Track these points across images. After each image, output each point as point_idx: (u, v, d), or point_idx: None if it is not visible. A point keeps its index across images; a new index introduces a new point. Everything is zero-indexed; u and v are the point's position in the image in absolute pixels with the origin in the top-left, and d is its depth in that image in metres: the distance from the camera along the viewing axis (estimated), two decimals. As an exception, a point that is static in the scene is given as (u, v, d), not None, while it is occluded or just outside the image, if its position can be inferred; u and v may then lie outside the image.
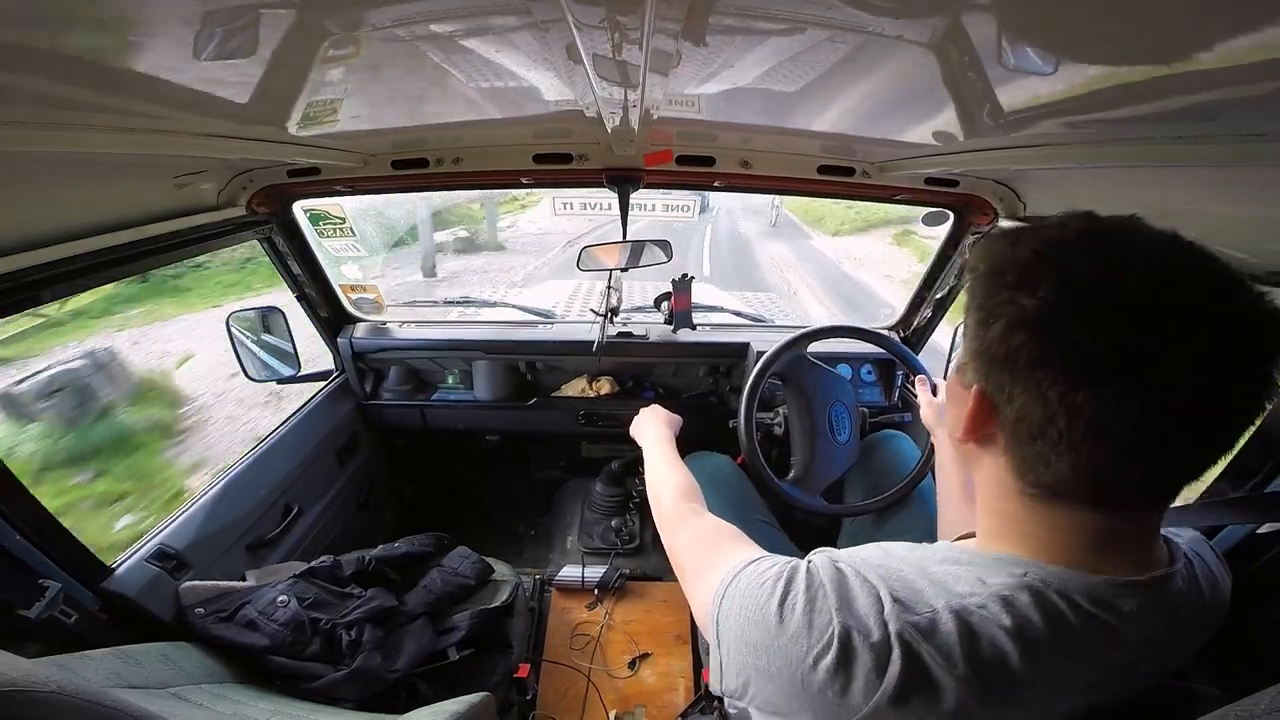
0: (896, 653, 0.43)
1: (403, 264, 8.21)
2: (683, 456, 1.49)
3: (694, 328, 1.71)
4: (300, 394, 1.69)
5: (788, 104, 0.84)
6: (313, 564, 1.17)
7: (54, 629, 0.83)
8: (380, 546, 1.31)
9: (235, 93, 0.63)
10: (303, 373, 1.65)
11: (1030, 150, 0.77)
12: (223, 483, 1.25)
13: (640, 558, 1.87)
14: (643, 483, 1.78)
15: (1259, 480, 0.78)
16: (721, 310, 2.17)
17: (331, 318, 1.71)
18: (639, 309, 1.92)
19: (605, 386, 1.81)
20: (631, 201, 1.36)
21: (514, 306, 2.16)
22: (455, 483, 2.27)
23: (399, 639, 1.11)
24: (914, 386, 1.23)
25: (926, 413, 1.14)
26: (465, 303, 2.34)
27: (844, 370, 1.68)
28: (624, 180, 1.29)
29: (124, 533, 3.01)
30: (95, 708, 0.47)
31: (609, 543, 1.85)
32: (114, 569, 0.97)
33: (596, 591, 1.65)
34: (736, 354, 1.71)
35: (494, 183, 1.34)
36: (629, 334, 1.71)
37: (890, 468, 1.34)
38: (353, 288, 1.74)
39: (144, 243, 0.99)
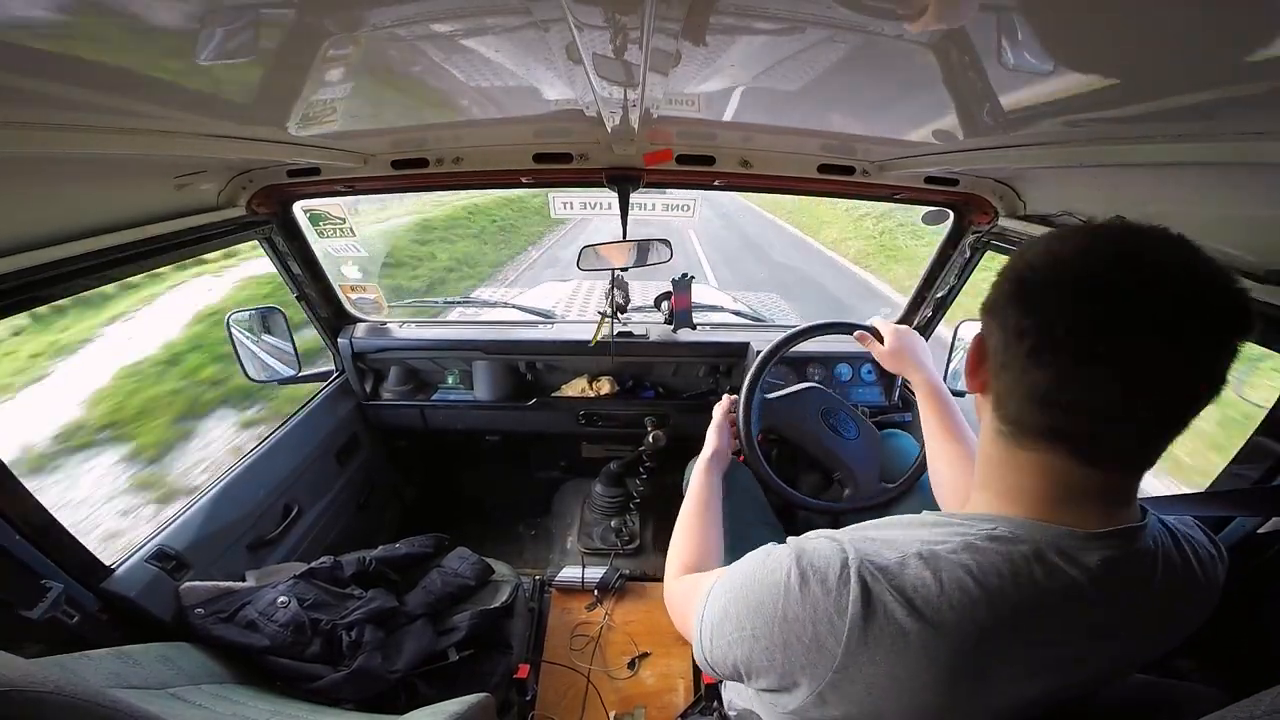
0: (854, 590, 0.47)
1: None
2: (682, 458, 1.49)
3: (694, 327, 1.71)
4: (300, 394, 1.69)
5: (788, 103, 0.84)
6: (313, 565, 1.17)
7: (55, 629, 0.83)
8: (380, 547, 1.31)
9: (236, 93, 0.63)
10: (303, 373, 1.65)
11: (1030, 150, 0.77)
12: (223, 483, 1.25)
13: (640, 558, 1.87)
14: (643, 483, 1.78)
15: (1265, 474, 0.78)
16: (721, 310, 2.17)
17: (331, 318, 1.71)
18: (638, 309, 1.93)
19: (605, 386, 1.81)
20: (631, 201, 1.36)
21: (514, 306, 2.16)
22: (455, 483, 2.27)
23: (399, 640, 1.11)
24: (867, 345, 1.21)
25: (888, 360, 1.17)
26: (465, 303, 2.34)
27: (843, 370, 1.68)
28: (624, 179, 1.29)
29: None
30: (94, 708, 0.47)
31: (609, 543, 1.85)
32: (114, 569, 0.97)
33: (596, 592, 1.65)
34: (736, 354, 1.71)
35: (494, 182, 1.34)
36: (629, 333, 1.71)
37: (893, 465, 1.34)
38: (353, 288, 1.74)
39: (144, 243, 0.99)
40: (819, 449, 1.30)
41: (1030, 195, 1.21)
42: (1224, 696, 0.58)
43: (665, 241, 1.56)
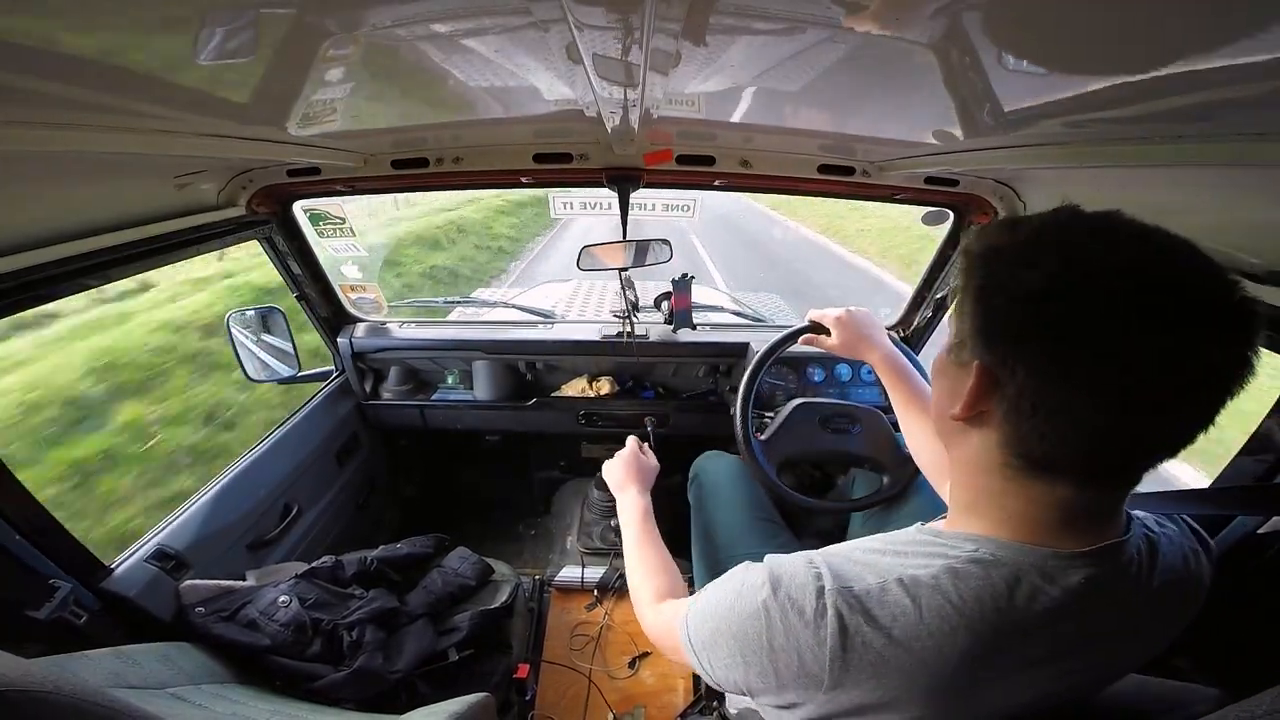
0: (831, 623, 0.47)
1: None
2: (682, 458, 1.49)
3: (694, 327, 1.71)
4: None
5: (788, 103, 0.84)
6: (314, 564, 1.17)
7: (55, 629, 0.83)
8: (381, 547, 1.31)
9: (235, 93, 0.63)
10: (302, 373, 1.65)
11: (1030, 150, 0.77)
12: (222, 482, 1.25)
13: (640, 558, 1.86)
14: None
15: (1265, 473, 0.78)
16: (721, 310, 2.17)
17: (331, 318, 1.71)
18: (639, 309, 1.92)
19: (605, 386, 1.81)
20: (631, 201, 1.36)
21: (514, 306, 2.16)
22: (455, 483, 2.27)
23: (400, 639, 1.11)
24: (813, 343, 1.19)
25: (842, 351, 1.13)
26: (465, 302, 2.34)
27: (843, 370, 1.68)
28: (624, 180, 1.29)
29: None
30: (94, 708, 0.47)
31: (608, 543, 1.85)
32: (113, 569, 0.97)
33: (596, 592, 1.65)
34: (736, 353, 1.71)
35: (494, 182, 1.34)
36: (629, 333, 1.71)
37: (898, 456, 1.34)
38: (353, 288, 1.74)
39: (144, 243, 0.99)
40: (836, 455, 1.30)
41: (1030, 195, 1.21)
42: (1224, 696, 0.58)
43: (665, 241, 1.56)
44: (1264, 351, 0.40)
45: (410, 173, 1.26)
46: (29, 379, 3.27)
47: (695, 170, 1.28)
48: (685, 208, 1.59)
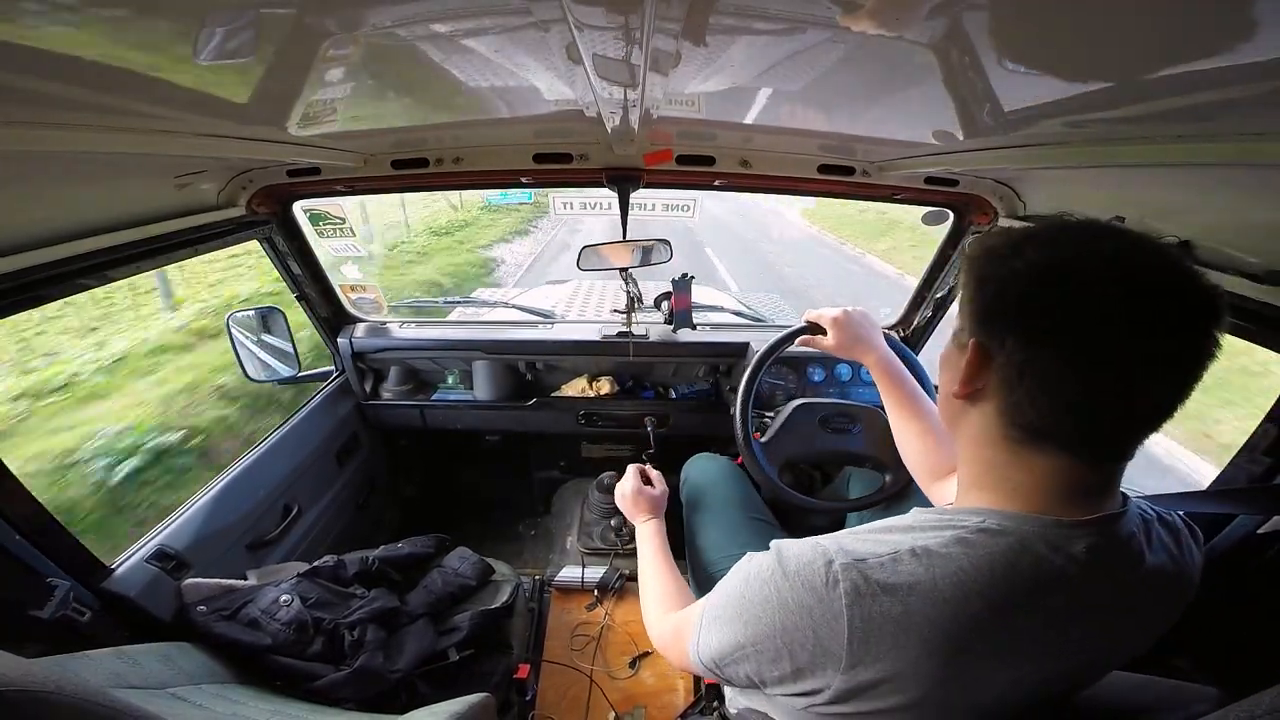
0: (844, 594, 0.48)
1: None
2: (682, 458, 1.50)
3: (694, 327, 1.71)
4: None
5: (788, 103, 0.84)
6: (316, 564, 1.17)
7: (55, 629, 0.83)
8: (382, 547, 1.31)
9: (235, 93, 0.63)
10: (302, 373, 1.65)
11: (1030, 150, 0.77)
12: (222, 483, 1.25)
13: (640, 558, 1.86)
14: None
15: (1265, 472, 0.78)
16: (721, 310, 2.17)
17: (331, 318, 1.71)
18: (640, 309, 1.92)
19: (605, 386, 1.81)
20: (631, 201, 1.36)
21: (514, 306, 2.16)
22: (455, 483, 2.27)
23: (401, 639, 1.11)
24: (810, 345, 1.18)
25: (839, 351, 1.13)
26: (465, 303, 2.34)
27: (843, 370, 1.68)
28: (624, 180, 1.29)
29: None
30: (94, 708, 0.47)
31: (608, 543, 1.85)
32: (113, 569, 0.97)
33: (596, 592, 1.65)
34: (736, 353, 1.71)
35: (494, 182, 1.34)
36: (629, 333, 1.71)
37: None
38: (353, 288, 1.74)
39: (144, 243, 0.99)
40: (837, 455, 1.30)
41: (1030, 196, 1.21)
42: (1224, 696, 0.58)
43: (665, 241, 1.56)
44: (1264, 351, 0.40)
45: (410, 173, 1.26)
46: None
47: (695, 170, 1.28)
48: (685, 208, 1.59)
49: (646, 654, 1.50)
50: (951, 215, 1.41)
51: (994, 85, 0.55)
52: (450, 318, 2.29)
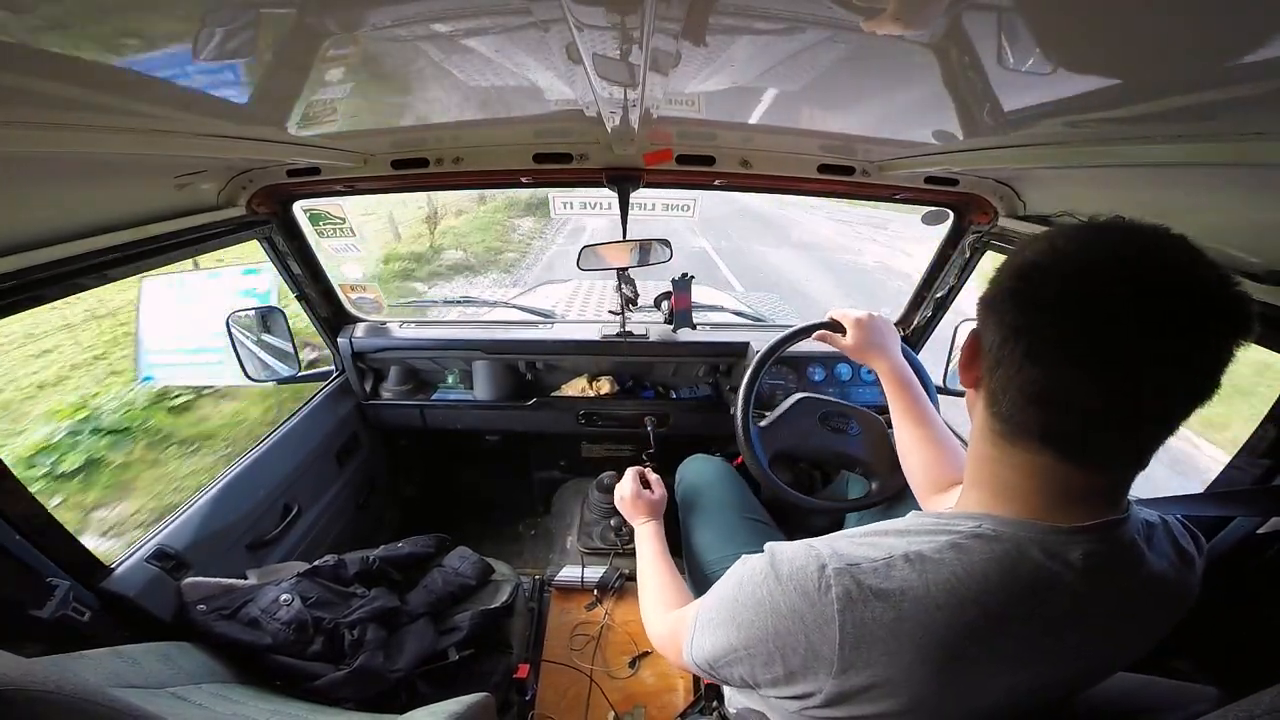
0: (837, 599, 0.47)
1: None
2: (682, 458, 1.50)
3: (694, 327, 1.71)
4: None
5: (788, 103, 0.84)
6: (316, 563, 1.17)
7: (55, 629, 0.83)
8: (383, 546, 1.31)
9: (235, 93, 0.63)
10: (302, 373, 1.65)
11: (1030, 150, 0.77)
12: (222, 483, 1.25)
13: (640, 558, 1.86)
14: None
15: (1264, 473, 0.78)
16: (721, 310, 2.17)
17: (331, 318, 1.71)
18: (639, 308, 1.92)
19: (605, 386, 1.81)
20: (631, 200, 1.36)
21: (514, 306, 2.16)
22: (455, 483, 2.27)
23: (401, 639, 1.11)
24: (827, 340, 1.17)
25: (853, 353, 1.13)
26: (465, 303, 2.34)
27: (843, 370, 1.68)
28: (624, 179, 1.29)
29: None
30: (94, 708, 0.47)
31: (608, 543, 1.85)
32: (113, 569, 0.97)
33: (596, 592, 1.65)
34: (736, 353, 1.71)
35: (494, 182, 1.34)
36: (629, 333, 1.71)
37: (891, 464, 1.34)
38: (352, 287, 1.74)
39: (144, 242, 0.99)
40: (830, 454, 1.30)
41: (1030, 195, 1.21)
42: (1223, 696, 0.58)
43: (665, 241, 1.56)
44: (1266, 351, 0.40)
45: (410, 173, 1.26)
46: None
47: (695, 170, 1.28)
48: (685, 207, 1.59)
49: (646, 654, 1.50)
50: (951, 215, 1.40)
51: (994, 85, 0.55)
52: (450, 317, 2.29)
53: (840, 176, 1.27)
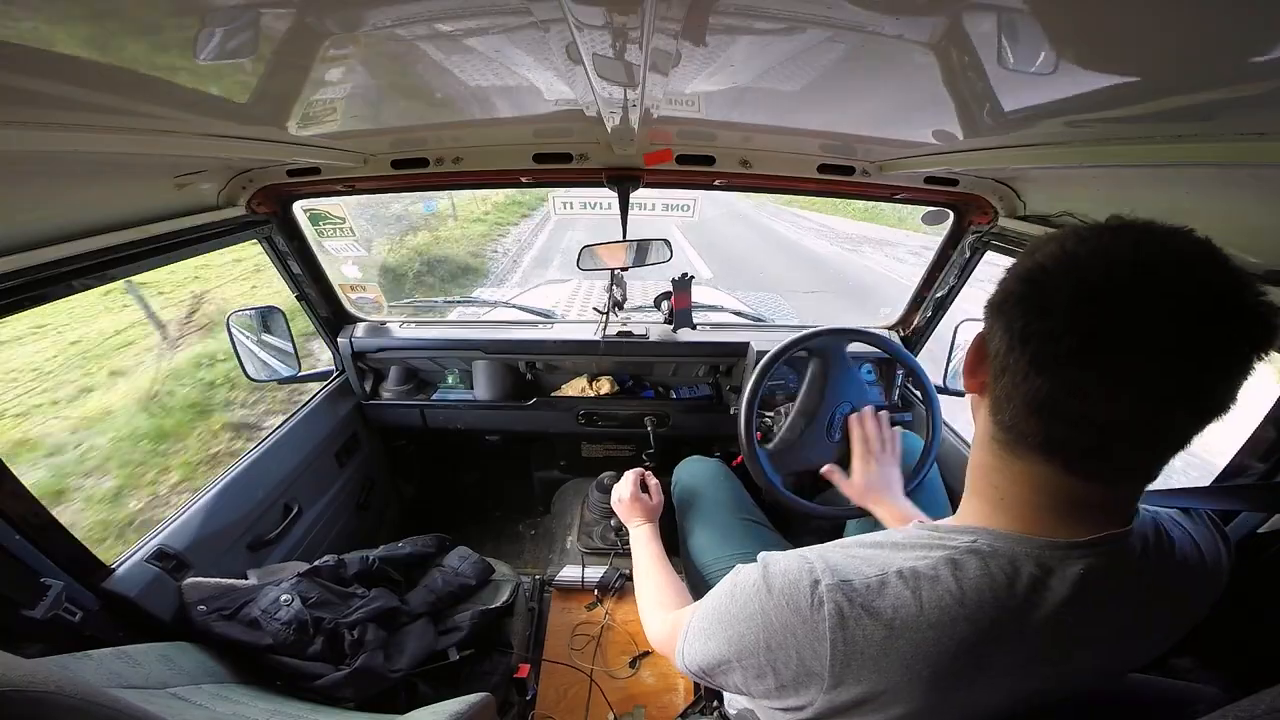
0: (829, 616, 0.47)
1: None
2: (679, 459, 1.49)
3: (694, 327, 1.71)
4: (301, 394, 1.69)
5: (788, 103, 0.84)
6: (316, 563, 1.17)
7: (55, 629, 0.83)
8: (383, 546, 1.31)
9: (235, 93, 0.63)
10: (302, 373, 1.65)
11: (1030, 150, 0.77)
12: (222, 483, 1.25)
13: (640, 557, 1.86)
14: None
15: (1267, 470, 0.78)
16: (721, 310, 2.17)
17: (331, 317, 1.71)
18: (639, 308, 1.92)
19: (605, 386, 1.81)
20: (631, 200, 1.36)
21: (514, 306, 2.16)
22: (455, 483, 2.27)
23: (401, 639, 1.11)
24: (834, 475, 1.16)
25: (854, 494, 1.09)
26: (465, 302, 2.34)
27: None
28: (624, 180, 1.29)
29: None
30: (95, 708, 0.47)
31: (609, 543, 1.85)
32: (114, 569, 0.97)
33: (596, 592, 1.65)
34: (736, 353, 1.71)
35: (494, 182, 1.34)
36: (629, 333, 1.71)
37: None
38: (352, 287, 1.74)
39: (144, 242, 0.99)
40: (803, 408, 1.27)
41: (1030, 195, 1.21)
42: (1224, 696, 0.58)
43: (665, 241, 1.56)
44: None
45: (410, 173, 1.26)
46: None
47: (695, 170, 1.28)
48: (685, 207, 1.59)
49: (646, 654, 1.50)
50: (951, 215, 1.40)
51: (994, 85, 0.55)
52: (450, 317, 2.28)
53: (840, 176, 1.27)
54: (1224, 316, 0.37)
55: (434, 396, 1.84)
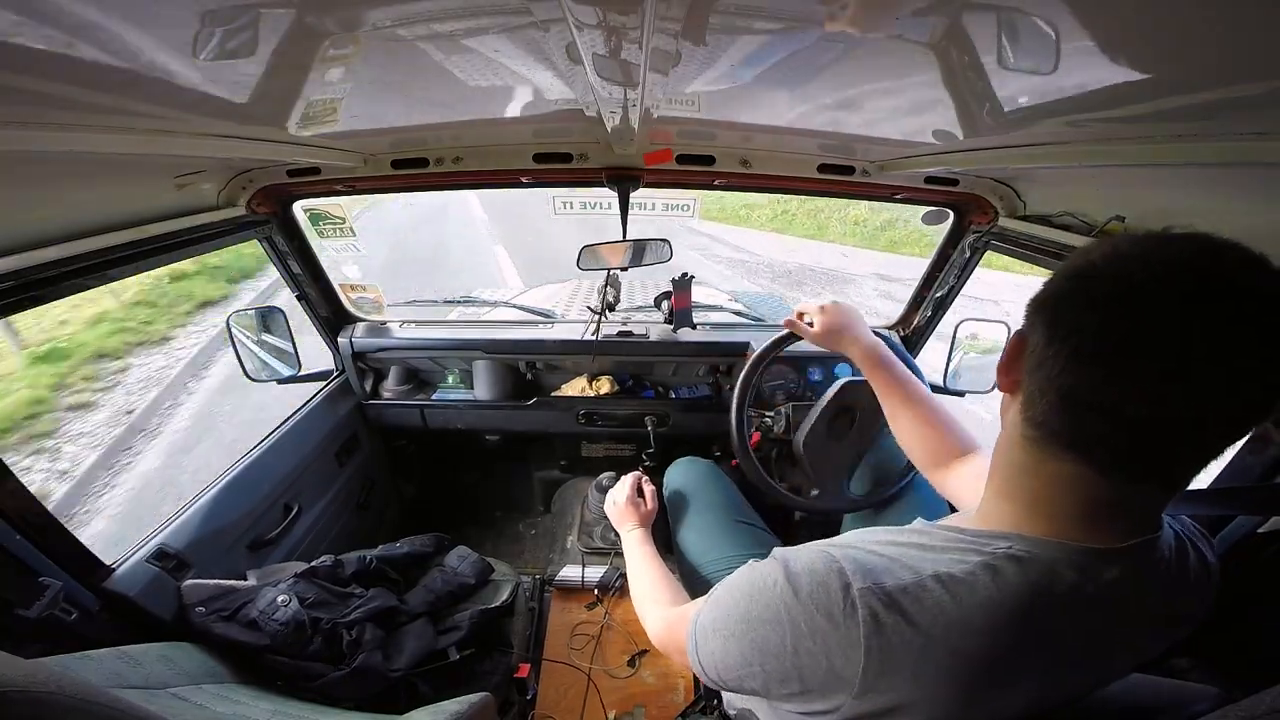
0: (864, 622, 0.46)
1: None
2: (674, 459, 1.49)
3: (694, 327, 1.71)
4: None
5: (788, 103, 0.84)
6: (314, 563, 1.17)
7: (54, 629, 0.83)
8: (381, 546, 1.31)
9: (235, 93, 0.63)
10: (302, 372, 1.65)
11: (1030, 150, 0.77)
12: (223, 482, 1.25)
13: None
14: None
15: (1265, 472, 0.78)
16: (721, 309, 2.17)
17: (331, 317, 1.71)
18: (639, 308, 1.92)
19: (605, 386, 1.81)
20: (631, 200, 1.36)
21: (514, 306, 2.16)
22: (455, 483, 2.27)
23: (400, 639, 1.11)
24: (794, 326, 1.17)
25: (821, 340, 1.11)
26: (465, 302, 2.34)
27: (843, 370, 1.68)
28: (624, 179, 1.29)
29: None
30: (95, 708, 0.47)
31: (608, 542, 1.85)
32: (114, 569, 0.97)
33: (596, 592, 1.65)
34: (736, 353, 1.71)
35: (494, 182, 1.34)
36: (629, 333, 1.71)
37: (890, 462, 1.34)
38: (353, 287, 1.74)
39: (144, 242, 0.99)
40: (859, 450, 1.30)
41: (1030, 195, 1.21)
42: (1223, 696, 0.58)
43: (665, 241, 1.56)
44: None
45: (410, 173, 1.26)
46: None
47: (695, 170, 1.28)
48: (685, 207, 1.59)
49: (646, 653, 1.50)
50: (951, 215, 1.41)
51: (994, 85, 0.55)
52: (450, 317, 2.28)
53: (840, 176, 1.27)
54: (1269, 329, 0.37)
55: (434, 396, 1.84)
